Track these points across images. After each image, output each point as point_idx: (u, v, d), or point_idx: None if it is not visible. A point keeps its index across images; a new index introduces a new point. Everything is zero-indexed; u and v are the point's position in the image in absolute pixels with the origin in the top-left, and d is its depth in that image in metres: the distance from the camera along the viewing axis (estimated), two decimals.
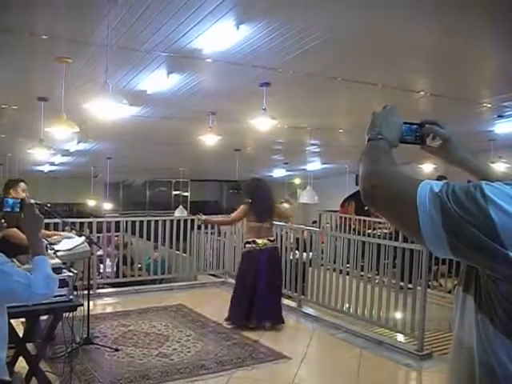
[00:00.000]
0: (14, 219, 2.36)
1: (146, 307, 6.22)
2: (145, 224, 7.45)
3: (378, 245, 5.59)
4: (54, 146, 8.55)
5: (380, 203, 1.16)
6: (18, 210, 2.24)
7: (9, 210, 2.24)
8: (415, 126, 1.35)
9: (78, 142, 9.33)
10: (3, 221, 2.40)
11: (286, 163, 13.55)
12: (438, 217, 0.98)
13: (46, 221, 6.11)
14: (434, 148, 1.39)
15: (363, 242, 5.81)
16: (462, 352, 1.13)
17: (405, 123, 1.32)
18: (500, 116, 7.22)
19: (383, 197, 1.13)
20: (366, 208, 7.93)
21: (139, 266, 7.91)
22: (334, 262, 6.70)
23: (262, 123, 5.77)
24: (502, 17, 3.63)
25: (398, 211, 1.09)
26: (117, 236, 7.84)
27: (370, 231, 8.97)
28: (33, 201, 3.56)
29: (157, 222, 7.62)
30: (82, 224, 6.78)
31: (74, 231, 4.95)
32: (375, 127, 1.27)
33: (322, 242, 6.95)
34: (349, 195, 11.26)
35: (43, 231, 4.02)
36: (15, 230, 3.89)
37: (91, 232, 6.77)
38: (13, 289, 1.95)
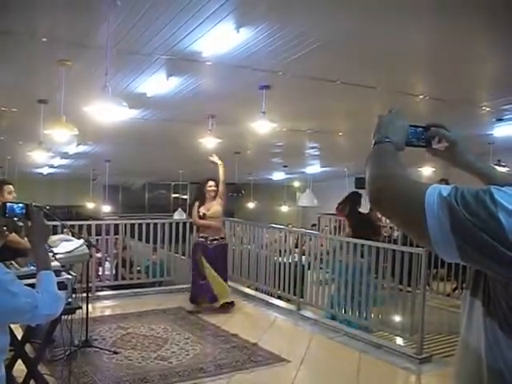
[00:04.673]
0: (11, 224, 2.19)
1: (144, 310, 6.22)
2: (144, 227, 7.45)
3: (377, 248, 5.59)
4: (53, 148, 8.55)
5: (387, 207, 1.15)
6: (23, 216, 2.03)
7: (11, 216, 2.04)
8: (421, 129, 1.34)
9: (78, 145, 9.33)
10: (5, 228, 2.21)
11: (286, 166, 13.56)
12: (447, 221, 0.97)
13: None
14: (440, 151, 1.38)
15: (362, 245, 5.81)
16: (469, 355, 1.12)
17: (410, 126, 1.31)
18: (499, 119, 7.22)
19: (390, 200, 1.13)
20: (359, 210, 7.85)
21: (138, 268, 7.91)
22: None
23: (262, 126, 5.78)
24: (501, 21, 3.64)
25: (405, 215, 1.08)
26: (116, 239, 7.83)
27: None
28: (33, 203, 3.55)
29: (156, 224, 7.61)
30: (80, 227, 6.79)
31: (70, 233, 4.93)
32: (381, 130, 1.26)
33: (321, 245, 6.95)
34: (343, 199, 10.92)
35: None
36: (13, 234, 3.88)
37: (90, 235, 6.77)
38: (20, 309, 1.80)
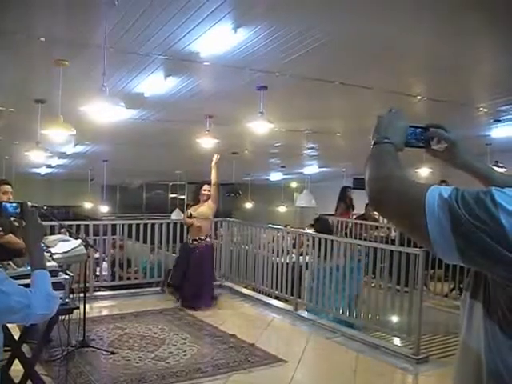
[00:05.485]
0: (8, 225, 2.15)
1: (142, 310, 6.21)
2: (141, 227, 7.44)
3: (375, 248, 5.60)
4: (50, 148, 8.53)
5: (386, 208, 1.15)
6: (17, 215, 2.02)
7: (4, 215, 2.03)
8: (420, 130, 1.33)
9: (75, 145, 9.31)
10: (1, 229, 2.16)
11: (283, 167, 13.55)
12: (447, 222, 0.97)
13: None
14: (439, 151, 1.38)
15: (359, 246, 5.81)
16: (469, 357, 1.12)
17: (410, 126, 1.31)
18: (496, 120, 7.23)
19: (390, 201, 1.12)
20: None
21: (136, 268, 7.90)
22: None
23: (259, 127, 5.78)
24: (500, 22, 3.65)
25: (406, 216, 1.08)
26: (113, 239, 7.82)
27: (365, 235, 8.96)
28: (30, 203, 3.54)
29: (153, 224, 7.61)
30: (78, 227, 6.78)
31: (67, 233, 4.92)
32: (381, 131, 1.26)
33: None
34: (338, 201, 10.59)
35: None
36: (10, 235, 3.88)
37: (88, 235, 6.76)
38: (11, 308, 1.76)
